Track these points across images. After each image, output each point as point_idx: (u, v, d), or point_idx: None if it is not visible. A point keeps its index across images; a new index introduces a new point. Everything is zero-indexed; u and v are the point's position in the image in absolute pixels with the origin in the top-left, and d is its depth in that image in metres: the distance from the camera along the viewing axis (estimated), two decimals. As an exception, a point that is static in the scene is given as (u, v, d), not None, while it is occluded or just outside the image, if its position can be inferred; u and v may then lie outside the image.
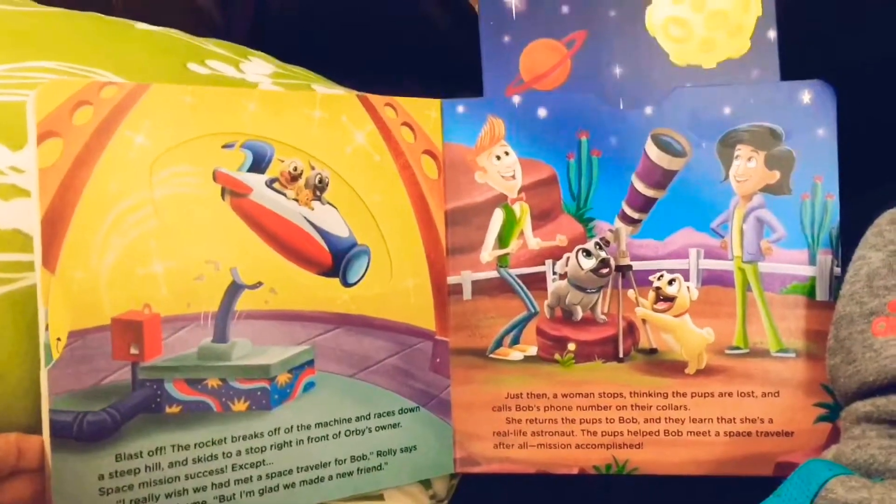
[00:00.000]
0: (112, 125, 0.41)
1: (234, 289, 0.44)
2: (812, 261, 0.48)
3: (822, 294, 0.48)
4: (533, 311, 0.51)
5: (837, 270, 0.48)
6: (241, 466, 0.44)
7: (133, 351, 0.42)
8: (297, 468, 0.46)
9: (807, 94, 0.48)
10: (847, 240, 0.47)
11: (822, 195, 0.48)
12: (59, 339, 0.40)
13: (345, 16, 0.63)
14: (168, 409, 0.43)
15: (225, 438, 0.44)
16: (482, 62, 0.51)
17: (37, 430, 0.40)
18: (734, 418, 0.49)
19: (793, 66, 0.48)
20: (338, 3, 0.63)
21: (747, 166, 0.49)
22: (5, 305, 0.41)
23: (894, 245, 0.42)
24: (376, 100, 0.49)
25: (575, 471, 0.50)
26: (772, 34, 0.49)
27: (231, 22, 0.60)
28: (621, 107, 0.50)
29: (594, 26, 0.50)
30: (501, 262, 0.51)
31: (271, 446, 0.45)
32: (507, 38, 0.51)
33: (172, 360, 0.43)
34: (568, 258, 0.50)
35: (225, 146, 0.44)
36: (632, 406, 0.50)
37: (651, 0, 0.50)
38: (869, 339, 0.41)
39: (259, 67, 0.52)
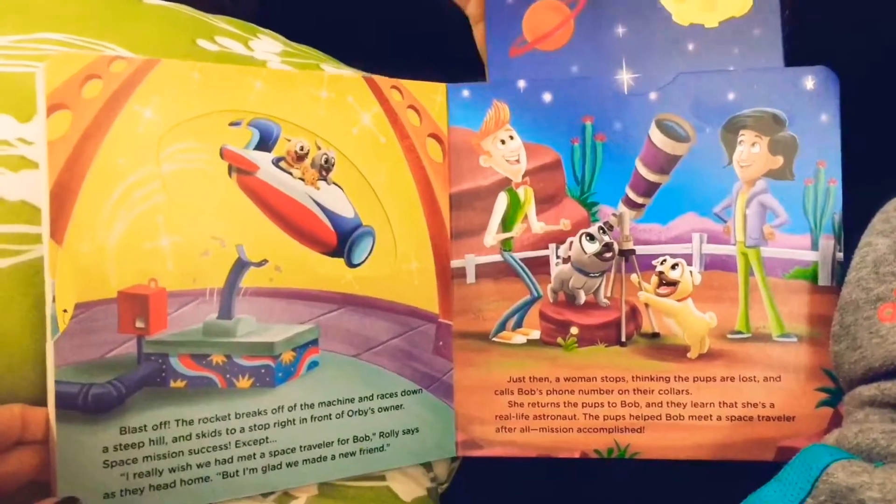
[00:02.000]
0: (121, 99, 0.42)
1: (240, 265, 0.44)
2: (815, 246, 0.48)
3: (824, 279, 0.48)
4: (536, 294, 0.51)
5: (840, 255, 0.48)
6: (244, 443, 0.45)
7: (139, 324, 0.42)
8: (300, 447, 0.46)
9: (810, 79, 0.48)
10: (850, 225, 0.47)
11: (824, 180, 0.48)
12: (65, 311, 0.40)
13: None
14: (173, 384, 0.43)
15: (229, 415, 0.44)
16: (486, 23, 0.52)
17: (42, 401, 0.40)
18: (736, 403, 0.49)
19: (797, 51, 0.49)
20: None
21: (751, 151, 0.49)
22: (13, 277, 0.41)
23: None
24: (383, 82, 0.49)
25: (576, 455, 0.50)
26: None
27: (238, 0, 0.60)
28: (626, 91, 0.50)
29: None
30: (505, 245, 0.51)
31: (274, 424, 0.45)
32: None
33: (178, 335, 0.43)
34: (571, 242, 0.51)
35: (232, 124, 0.45)
36: (634, 390, 0.50)
37: None
38: (875, 325, 0.41)
39: (268, 45, 0.52)
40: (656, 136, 0.49)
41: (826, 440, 0.41)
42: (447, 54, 0.54)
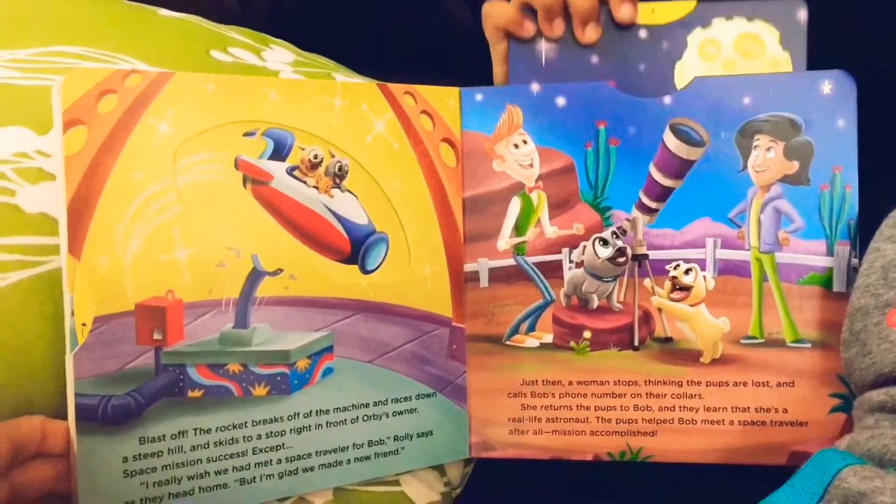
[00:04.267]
0: (136, 113, 0.42)
1: (255, 275, 0.45)
2: (830, 251, 0.48)
3: (839, 285, 0.48)
4: (549, 298, 0.51)
5: (855, 262, 0.48)
6: (261, 450, 0.45)
7: (156, 336, 0.42)
8: (316, 452, 0.47)
9: (827, 84, 0.48)
10: (865, 231, 0.47)
11: (840, 186, 0.48)
12: (84, 325, 0.40)
13: (362, 5, 0.63)
14: (190, 394, 0.44)
15: (245, 423, 0.45)
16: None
17: (61, 412, 0.41)
18: (749, 407, 0.49)
19: (815, 55, 0.48)
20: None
21: (766, 156, 0.48)
22: (31, 288, 0.41)
23: None
24: (396, 88, 0.49)
25: (589, 457, 0.51)
26: None
27: (248, 10, 0.60)
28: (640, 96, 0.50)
29: (622, 78, 0.51)
30: (518, 249, 0.51)
31: (290, 430, 0.46)
32: (535, 87, 0.51)
33: (194, 346, 0.44)
34: (585, 247, 0.51)
35: (246, 134, 0.45)
36: (646, 394, 0.50)
37: (681, 56, 0.50)
38: (884, 331, 0.41)
39: (280, 55, 0.52)
40: (671, 141, 0.49)
41: (837, 445, 0.41)
42: (459, 58, 0.53)
